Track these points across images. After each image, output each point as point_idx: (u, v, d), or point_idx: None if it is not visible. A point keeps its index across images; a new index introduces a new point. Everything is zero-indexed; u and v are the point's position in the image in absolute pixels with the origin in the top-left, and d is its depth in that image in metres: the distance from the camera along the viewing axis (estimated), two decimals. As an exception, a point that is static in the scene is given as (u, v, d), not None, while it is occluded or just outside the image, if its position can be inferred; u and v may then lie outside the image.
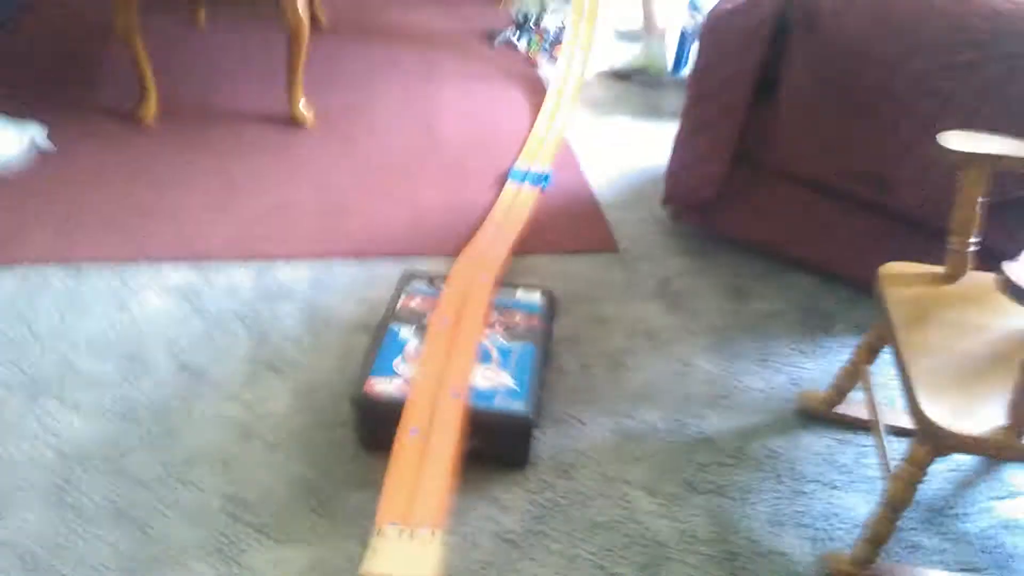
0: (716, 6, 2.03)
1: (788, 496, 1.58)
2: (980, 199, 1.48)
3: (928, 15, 1.72)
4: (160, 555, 1.39)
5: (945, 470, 1.66)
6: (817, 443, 1.70)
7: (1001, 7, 1.67)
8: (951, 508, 1.59)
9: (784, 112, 1.97)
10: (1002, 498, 1.62)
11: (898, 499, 1.36)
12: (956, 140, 1.46)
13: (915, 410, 1.29)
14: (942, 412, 1.27)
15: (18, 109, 2.44)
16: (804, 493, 1.59)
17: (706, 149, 2.06)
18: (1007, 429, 1.24)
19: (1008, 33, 1.67)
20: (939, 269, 1.55)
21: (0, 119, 2.37)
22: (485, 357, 1.65)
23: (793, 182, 2.05)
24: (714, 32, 2.00)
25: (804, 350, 1.93)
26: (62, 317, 1.85)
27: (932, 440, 1.29)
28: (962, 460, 1.68)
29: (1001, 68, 1.67)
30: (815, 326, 1.99)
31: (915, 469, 1.34)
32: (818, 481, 1.62)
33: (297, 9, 2.44)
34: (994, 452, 1.27)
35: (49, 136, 2.41)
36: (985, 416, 1.26)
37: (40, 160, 2.34)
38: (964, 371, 1.34)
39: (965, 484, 1.64)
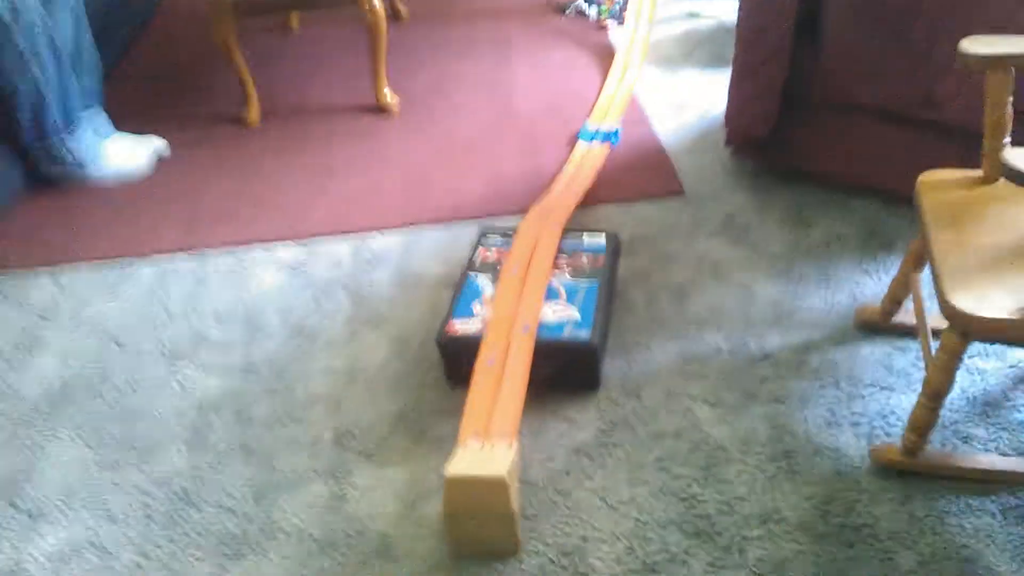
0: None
1: (845, 400, 1.70)
2: (1009, 100, 1.55)
3: None
4: (283, 481, 1.64)
5: (1003, 367, 1.73)
6: (875, 351, 1.80)
7: None
8: (1007, 401, 1.66)
9: (828, 45, 2.05)
10: (1060, 388, 1.68)
11: (936, 386, 1.46)
12: (973, 45, 1.53)
13: (943, 301, 1.39)
14: (967, 300, 1.36)
15: (140, 125, 2.76)
16: (861, 396, 1.70)
17: (756, 89, 2.17)
18: (1026, 312, 1.32)
19: None
20: (977, 173, 1.63)
21: (126, 136, 2.70)
22: (553, 295, 1.83)
23: (845, 111, 2.13)
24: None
25: (866, 269, 2.01)
26: (191, 296, 2.14)
27: (960, 327, 1.39)
28: (1020, 355, 1.74)
29: None
30: (876, 246, 2.07)
31: (947, 356, 1.43)
32: (875, 385, 1.72)
33: (374, 5, 2.67)
34: (1019, 333, 1.35)
35: (168, 146, 2.72)
36: (1010, 302, 1.35)
37: (162, 167, 2.66)
38: (991, 263, 1.43)
39: (1021, 379, 1.70)
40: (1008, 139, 1.56)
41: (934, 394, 1.47)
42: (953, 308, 1.36)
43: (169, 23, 3.65)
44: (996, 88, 1.54)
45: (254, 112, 2.85)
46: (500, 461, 1.44)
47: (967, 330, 1.38)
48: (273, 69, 3.14)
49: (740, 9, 2.17)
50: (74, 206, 2.52)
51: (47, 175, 2.58)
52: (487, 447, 1.50)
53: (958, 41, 1.61)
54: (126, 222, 2.43)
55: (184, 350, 1.98)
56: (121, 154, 2.64)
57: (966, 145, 1.92)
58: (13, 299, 2.19)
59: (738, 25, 2.21)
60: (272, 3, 2.77)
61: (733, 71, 2.24)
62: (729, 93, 2.28)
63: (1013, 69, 1.52)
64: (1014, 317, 1.33)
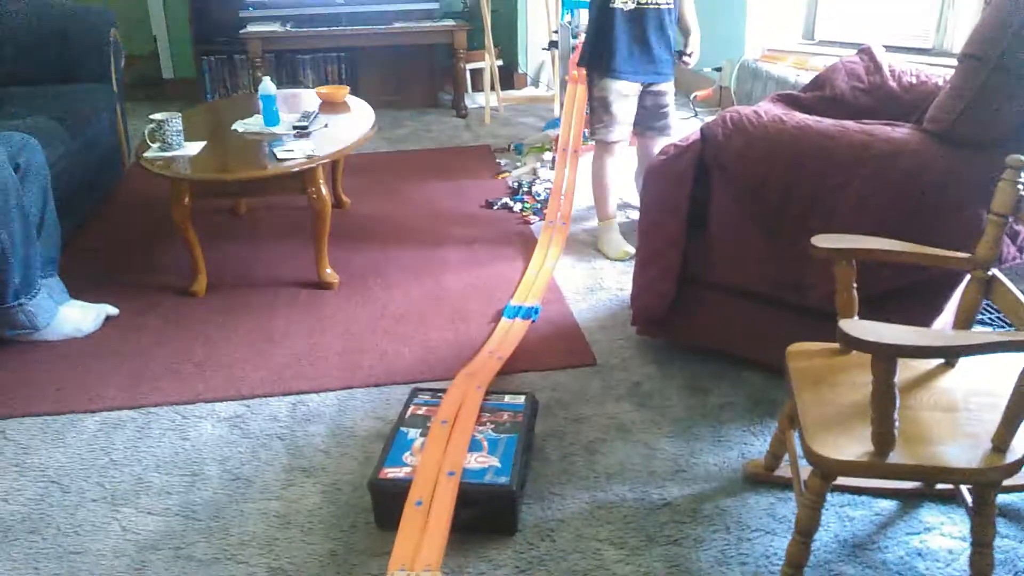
0: (653, 159, 2.54)
1: (734, 543, 1.91)
2: (854, 285, 1.89)
3: (806, 150, 2.21)
4: (218, 614, 1.75)
5: (870, 514, 1.98)
6: (760, 500, 2.03)
7: (858, 139, 2.15)
8: (872, 543, 1.90)
9: (714, 236, 2.42)
10: (917, 533, 1.92)
11: (805, 523, 1.69)
12: (822, 240, 1.89)
13: (806, 448, 1.65)
14: (826, 446, 1.63)
15: (93, 293, 2.96)
16: (748, 540, 1.92)
17: (656, 274, 2.51)
18: (873, 453, 1.59)
19: (866, 158, 2.13)
20: (835, 345, 1.94)
21: (79, 303, 2.89)
22: (476, 446, 2.04)
23: (732, 293, 2.47)
24: (651, 178, 2.49)
25: (753, 431, 2.28)
26: (135, 447, 2.28)
27: (821, 469, 1.64)
28: (883, 505, 2.00)
29: (865, 186, 2.12)
30: (763, 412, 2.35)
31: (813, 496, 1.67)
32: (760, 530, 1.94)
33: (320, 193, 2.99)
34: (866, 472, 1.61)
35: (118, 311, 2.91)
36: (859, 447, 1.61)
37: (111, 329, 2.84)
38: (845, 417, 1.70)
39: (884, 524, 1.95)
40: (856, 317, 1.88)
41: (805, 530, 1.70)
42: (815, 453, 1.62)
43: (127, 200, 3.93)
44: (843, 273, 1.88)
45: (202, 284, 3.07)
46: (425, 586, 1.60)
47: (827, 472, 1.63)
48: (221, 246, 3.40)
49: (640, 206, 2.54)
50: (22, 362, 2.66)
51: (1, 336, 2.72)
52: (412, 574, 1.66)
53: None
54: (73, 378, 2.58)
55: (126, 494, 2.10)
56: (73, 319, 2.82)
57: (831, 324, 2.26)
58: (-43, 447, 2.28)
59: (639, 220, 2.58)
60: (227, 187, 3.06)
61: (636, 259, 2.58)
62: (634, 278, 2.61)
63: (855, 261, 1.87)
64: (861, 459, 1.59)
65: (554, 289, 3.07)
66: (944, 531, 1.92)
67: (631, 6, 3.09)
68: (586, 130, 4.14)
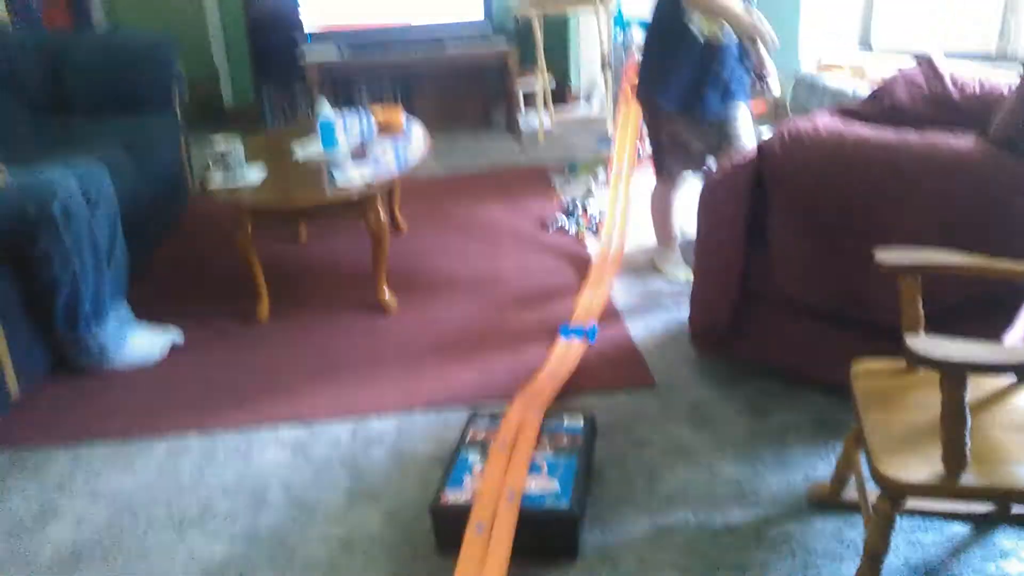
0: (709, 177, 2.52)
1: (800, 568, 1.87)
2: (919, 300, 1.84)
3: (866, 164, 2.17)
4: (283, 639, 1.77)
5: (941, 539, 1.92)
6: (827, 525, 1.99)
7: (920, 151, 2.10)
8: (945, 569, 1.84)
9: (774, 252, 2.39)
10: (993, 559, 1.86)
11: (873, 547, 1.65)
12: (887, 256, 1.85)
13: (874, 471, 1.61)
14: (895, 468, 1.59)
15: (159, 319, 3.03)
16: (814, 565, 1.87)
17: (714, 291, 2.48)
18: (944, 475, 1.55)
19: (929, 170, 2.09)
20: (902, 363, 1.89)
21: (145, 327, 2.96)
22: (535, 469, 2.04)
23: (793, 310, 2.42)
24: (709, 195, 2.47)
25: (818, 453, 2.24)
26: (200, 471, 2.32)
27: (890, 492, 1.60)
28: (956, 530, 1.94)
29: (929, 198, 2.07)
30: (828, 433, 2.30)
31: (882, 519, 1.63)
32: (827, 555, 1.90)
33: (379, 218, 3.03)
34: (937, 494, 1.57)
35: (183, 335, 2.98)
36: (929, 468, 1.57)
37: (176, 355, 2.90)
38: (914, 437, 1.66)
39: (957, 549, 1.89)
40: (922, 333, 1.84)
41: (874, 554, 1.66)
42: (883, 475, 1.59)
43: (191, 228, 4.03)
44: (908, 290, 1.84)
45: (264, 309, 3.13)
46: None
47: (896, 494, 1.59)
48: (282, 272, 3.46)
49: (698, 224, 2.52)
50: (93, 388, 2.74)
51: (73, 364, 2.81)
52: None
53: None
54: (141, 404, 2.64)
55: (192, 519, 2.14)
56: (141, 345, 2.89)
57: (896, 340, 2.21)
58: (32, 472, 2.36)
59: (697, 238, 2.55)
60: (290, 212, 3.12)
61: (695, 277, 2.56)
62: (692, 296, 2.59)
63: (919, 276, 1.83)
64: (932, 481, 1.55)
65: (611, 310, 3.05)
66: (1022, 556, 1.86)
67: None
68: (640, 148, 4.13)
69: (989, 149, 2.10)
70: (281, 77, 5.60)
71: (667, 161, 3.11)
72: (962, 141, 2.14)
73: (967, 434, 1.51)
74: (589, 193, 4.16)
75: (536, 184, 4.42)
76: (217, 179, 3.06)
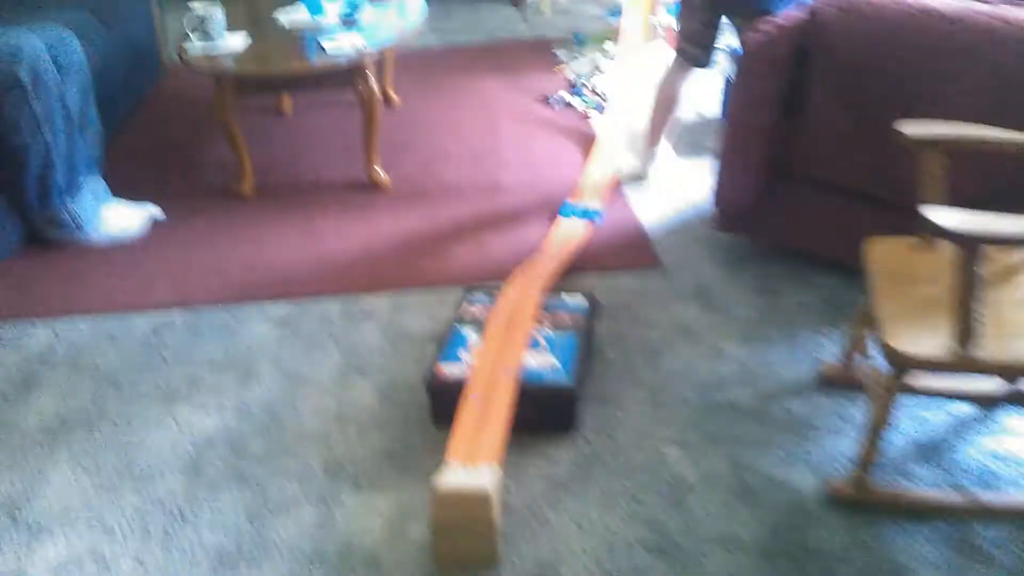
0: (751, 39, 2.54)
1: (800, 443, 2.00)
2: (942, 176, 1.91)
3: (922, 33, 2.21)
4: (274, 506, 1.90)
5: (945, 417, 2.04)
6: (830, 403, 2.11)
7: (984, 22, 2.13)
8: (947, 445, 1.97)
9: (811, 125, 2.44)
10: (996, 435, 1.98)
11: (877, 419, 1.77)
12: (909, 126, 1.91)
13: (883, 343, 1.71)
14: (902, 341, 1.69)
15: (136, 194, 3.10)
16: (814, 440, 2.00)
17: (742, 164, 2.55)
18: (953, 348, 1.65)
19: (990, 43, 2.12)
20: (916, 240, 1.98)
21: (122, 202, 3.04)
22: (535, 345, 2.14)
23: (822, 188, 2.49)
24: (748, 62, 2.48)
25: (827, 333, 2.34)
26: (186, 346, 2.43)
27: (897, 365, 1.70)
28: (960, 409, 2.06)
29: (986, 77, 2.12)
30: (837, 314, 2.40)
31: (886, 392, 1.74)
32: (828, 430, 2.02)
33: (370, 89, 3.06)
34: (944, 367, 1.67)
35: (163, 213, 3.05)
36: (937, 341, 1.67)
37: (157, 231, 2.98)
38: (924, 310, 1.76)
39: (960, 427, 2.02)
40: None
41: (876, 427, 1.78)
42: (890, 347, 1.69)
43: (167, 100, 4.06)
44: (930, 167, 1.91)
45: (248, 185, 3.20)
46: (484, 478, 1.72)
47: (902, 365, 1.70)
48: (267, 147, 3.51)
49: (731, 93, 2.56)
50: (69, 263, 2.83)
51: (46, 236, 2.89)
52: (472, 469, 1.78)
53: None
54: (121, 278, 2.74)
55: (179, 393, 2.26)
56: (118, 220, 2.97)
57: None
58: (10, 345, 2.47)
59: (729, 109, 2.59)
60: (275, 81, 3.16)
61: (723, 144, 2.60)
62: (719, 171, 2.63)
63: (946, 154, 1.89)
64: (940, 354, 1.65)
65: (617, 191, 3.12)
66: (1022, 434, 1.98)
67: None
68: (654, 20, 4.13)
69: None
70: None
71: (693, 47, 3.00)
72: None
73: (979, 308, 1.60)
74: (597, 68, 4.17)
75: (539, 58, 4.43)
76: (196, 47, 3.08)
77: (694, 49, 2.96)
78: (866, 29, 2.29)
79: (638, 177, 3.20)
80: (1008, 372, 1.78)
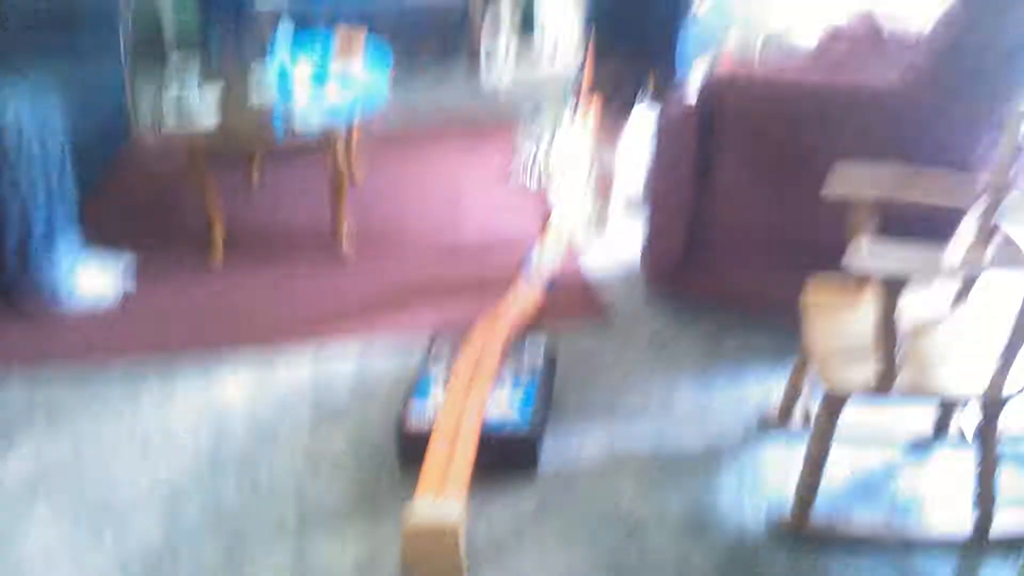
0: (659, 118, 2.79)
1: (748, 484, 2.14)
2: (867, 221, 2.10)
3: (800, 102, 2.49)
4: (250, 550, 2.00)
5: (880, 459, 2.20)
6: (774, 443, 2.26)
7: (845, 89, 2.42)
8: (882, 484, 2.14)
9: (720, 185, 2.66)
10: (929, 475, 2.15)
11: (815, 451, 1.92)
12: (835, 184, 2.11)
13: (820, 374, 1.88)
14: (836, 371, 1.85)
15: (111, 255, 3.21)
16: (760, 479, 2.15)
17: (662, 224, 2.77)
18: (879, 376, 1.81)
19: (856, 106, 2.41)
20: (851, 282, 2.16)
21: (96, 258, 3.12)
22: (497, 390, 2.28)
23: (740, 242, 2.70)
24: (661, 134, 2.74)
25: (769, 375, 2.50)
26: (161, 399, 2.53)
27: (833, 393, 1.86)
28: (895, 453, 2.22)
29: (856, 133, 2.38)
30: (777, 358, 2.57)
31: (824, 424, 1.90)
32: (773, 468, 2.17)
33: (337, 156, 3.23)
34: (873, 391, 1.83)
35: (135, 271, 3.15)
36: (866, 372, 1.83)
37: (127, 294, 3.08)
38: (854, 344, 1.92)
39: (897, 468, 2.19)
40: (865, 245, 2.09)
41: (815, 458, 1.92)
42: (826, 378, 1.85)
43: (137, 161, 4.17)
44: (858, 218, 2.10)
45: (218, 252, 3.32)
46: (451, 511, 1.84)
47: (837, 393, 1.85)
48: (237, 211, 3.62)
49: (649, 159, 2.79)
50: (44, 326, 2.91)
51: (22, 306, 2.96)
52: (440, 501, 1.90)
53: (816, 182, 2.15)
54: (95, 333, 2.84)
55: (155, 443, 2.36)
56: (93, 283, 3.05)
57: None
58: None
59: (648, 171, 2.82)
60: (244, 148, 3.31)
61: (646, 208, 2.83)
62: (645, 232, 2.85)
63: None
64: (867, 382, 1.81)
65: (571, 253, 3.29)
66: (955, 473, 2.14)
67: None
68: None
69: (905, 86, 2.38)
70: (230, 18, 5.72)
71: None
72: (883, 81, 2.42)
73: (899, 339, 1.77)
74: (551, 144, 4.38)
75: (498, 133, 4.63)
76: (171, 120, 3.23)
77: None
78: (750, 97, 2.57)
79: (596, 232, 3.43)
80: (926, 395, 1.93)
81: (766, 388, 2.47)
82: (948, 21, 2.32)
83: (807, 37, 4.44)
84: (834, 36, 2.90)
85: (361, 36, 3.84)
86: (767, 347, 2.65)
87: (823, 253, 2.42)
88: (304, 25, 5.33)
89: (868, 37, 2.84)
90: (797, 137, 2.48)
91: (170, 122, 3.21)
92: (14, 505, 2.16)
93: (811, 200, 2.16)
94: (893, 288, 1.72)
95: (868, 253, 1.78)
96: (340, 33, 3.78)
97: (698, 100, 2.61)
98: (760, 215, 2.64)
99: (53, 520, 2.10)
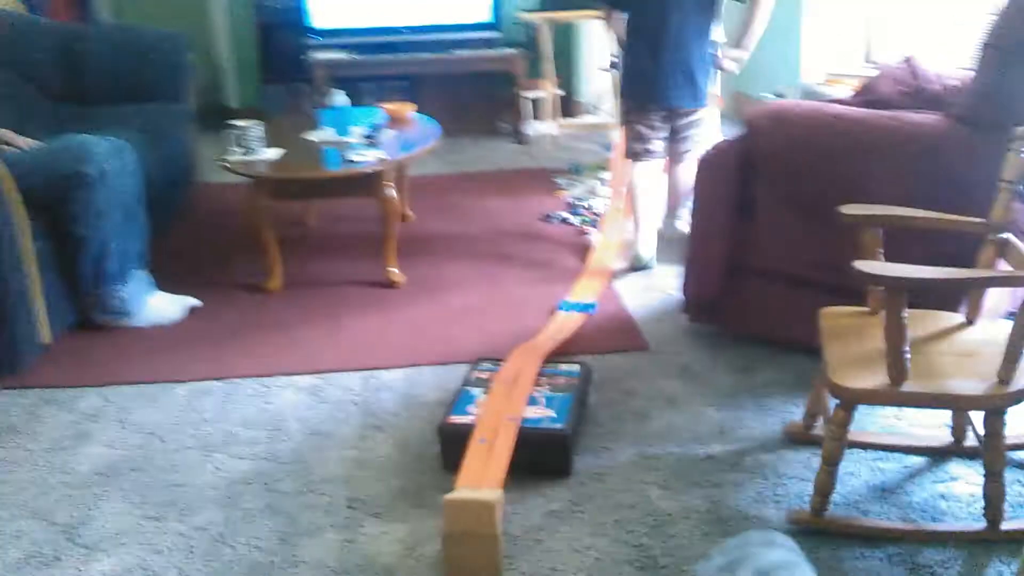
0: (705, 154, 2.96)
1: (771, 487, 2.27)
2: (880, 251, 2.26)
3: (840, 137, 2.61)
4: (303, 532, 2.16)
5: (899, 467, 2.32)
6: (798, 455, 2.39)
7: (886, 124, 2.54)
8: (899, 488, 2.24)
9: (761, 224, 2.82)
10: (943, 481, 2.26)
11: (830, 453, 2.05)
12: (849, 208, 2.27)
13: (831, 383, 2.02)
14: (847, 379, 2.00)
15: (176, 288, 3.45)
16: (783, 484, 2.28)
17: (705, 261, 2.91)
18: (887, 383, 1.96)
19: (895, 142, 2.52)
20: (865, 308, 2.31)
21: (165, 294, 3.38)
22: (534, 402, 2.45)
23: (778, 279, 2.85)
24: (702, 170, 2.91)
25: (795, 403, 2.64)
26: (222, 408, 2.73)
27: (843, 399, 2.01)
28: (913, 461, 2.34)
29: (895, 168, 2.51)
30: (806, 387, 2.69)
31: (837, 426, 2.04)
32: (795, 477, 2.30)
33: (389, 193, 3.46)
34: (882, 399, 1.98)
35: (201, 303, 3.39)
36: (875, 379, 1.98)
37: (194, 317, 3.32)
38: (864, 358, 2.07)
39: (912, 475, 2.30)
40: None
41: (830, 459, 2.06)
42: (836, 385, 2.00)
43: (201, 216, 4.46)
44: (868, 243, 2.26)
45: (276, 280, 3.55)
46: (490, 495, 2.00)
47: (848, 400, 2.00)
48: (292, 254, 3.86)
49: (694, 197, 2.96)
50: (115, 341, 3.15)
51: (96, 320, 3.22)
52: (478, 490, 2.06)
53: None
54: (162, 355, 3.06)
55: (216, 444, 2.54)
56: (160, 309, 3.30)
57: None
58: (65, 407, 2.76)
59: (691, 211, 2.99)
60: (305, 186, 3.56)
61: (688, 246, 2.98)
62: (686, 266, 3.01)
63: (880, 231, 2.25)
64: (878, 387, 1.96)
65: (609, 290, 3.47)
66: (969, 480, 2.26)
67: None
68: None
69: (949, 123, 2.54)
70: (287, 78, 6.08)
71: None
72: (926, 118, 2.58)
73: (907, 346, 1.92)
74: (593, 191, 4.60)
75: (540, 183, 4.87)
76: (236, 155, 3.50)
77: (637, 146, 3.65)
78: (792, 134, 2.71)
79: (640, 265, 3.65)
80: (937, 403, 2.06)
81: (791, 409, 2.61)
82: (993, 61, 2.43)
83: (840, 88, 4.65)
84: (875, 79, 3.04)
85: (409, 109, 4.13)
86: (796, 377, 2.77)
87: (860, 293, 2.59)
88: (353, 84, 5.72)
89: (909, 79, 2.97)
90: (838, 175, 2.61)
91: (235, 156, 3.46)
92: (88, 491, 2.35)
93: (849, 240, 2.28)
94: (899, 291, 1.87)
95: (873, 264, 1.94)
96: (389, 107, 4.08)
97: (740, 138, 2.78)
98: (799, 253, 2.78)
99: (124, 505, 2.29)
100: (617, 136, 4.32)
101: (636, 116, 3.64)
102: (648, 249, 3.68)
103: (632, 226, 3.75)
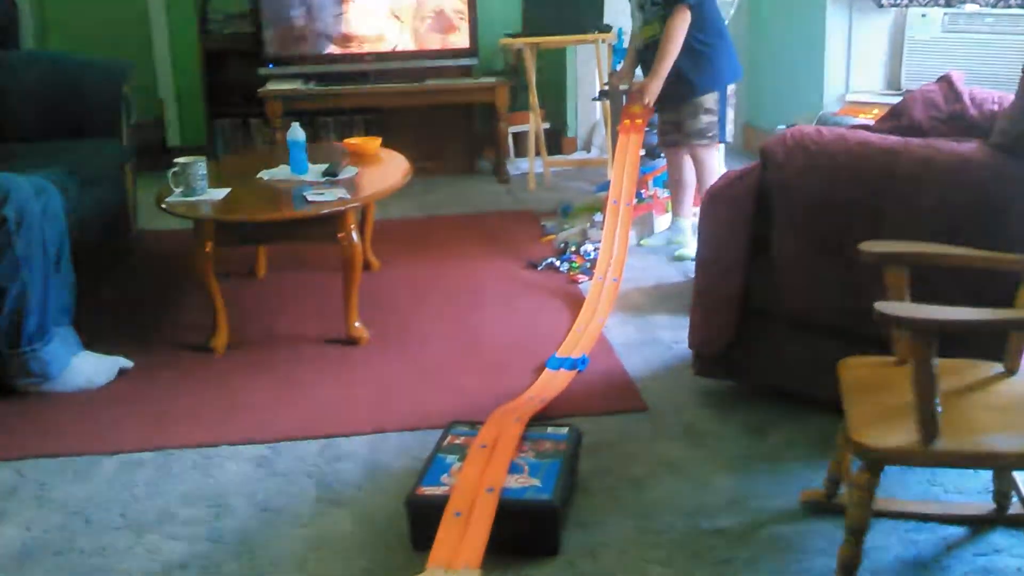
0: (713, 184, 2.99)
1: (788, 564, 2.25)
2: (907, 291, 2.28)
3: (868, 166, 2.64)
4: (250, 622, 2.13)
5: (935, 538, 2.31)
6: (819, 526, 2.38)
7: (921, 153, 2.57)
8: (935, 563, 2.23)
9: (778, 263, 2.83)
10: (985, 554, 2.25)
11: (855, 522, 2.04)
12: (871, 245, 2.29)
13: (853, 442, 2.02)
14: (871, 437, 2.00)
15: (107, 346, 3.43)
16: (803, 560, 2.26)
17: (715, 305, 2.92)
18: (917, 441, 1.95)
19: (931, 172, 2.55)
20: (890, 358, 2.32)
21: (92, 355, 3.36)
22: (517, 470, 2.43)
23: (798, 326, 2.85)
24: (710, 203, 2.93)
25: (817, 468, 2.63)
26: (156, 483, 2.70)
27: (866, 459, 2.00)
28: (950, 532, 2.33)
29: (930, 200, 2.53)
30: (827, 451, 2.70)
31: (862, 492, 2.03)
32: (817, 551, 2.28)
33: (351, 238, 3.47)
34: (911, 458, 1.98)
35: (133, 365, 3.37)
36: (902, 435, 1.98)
37: (127, 379, 3.30)
38: (890, 413, 2.07)
39: (950, 547, 2.28)
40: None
41: (855, 529, 2.05)
42: (859, 444, 2.00)
43: (137, 260, 4.48)
44: (893, 282, 2.28)
45: (222, 338, 3.53)
46: (467, 574, 1.98)
47: (872, 460, 1.99)
48: (240, 305, 3.87)
49: (699, 233, 2.98)
50: (35, 409, 3.12)
51: (13, 384, 3.19)
52: (452, 573, 2.03)
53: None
54: (87, 423, 3.03)
55: (150, 523, 2.51)
56: (86, 371, 3.28)
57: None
58: (-28, 484, 2.73)
59: (697, 252, 3.01)
60: (253, 232, 3.56)
61: (695, 287, 2.99)
62: (692, 312, 3.02)
63: (905, 268, 2.26)
64: (906, 446, 1.96)
65: (603, 343, 3.48)
66: (1014, 552, 2.25)
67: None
68: (642, 191, 4.65)
69: (990, 152, 2.57)
70: (237, 112, 6.13)
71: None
72: (964, 146, 2.61)
73: (937, 397, 1.92)
74: (584, 235, 4.63)
75: (524, 227, 4.91)
76: (176, 195, 3.50)
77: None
78: (813, 163, 2.72)
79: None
80: (971, 462, 2.06)
81: (811, 476, 2.59)
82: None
83: (866, 119, 4.72)
84: (906, 103, 3.07)
85: (375, 144, 4.17)
86: (815, 439, 2.76)
87: (885, 344, 2.58)
88: (312, 118, 5.75)
89: (943, 103, 3.01)
90: (864, 208, 2.63)
91: (176, 196, 3.47)
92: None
93: (878, 283, 2.29)
94: (926, 335, 1.88)
95: (898, 306, 1.95)
96: (352, 143, 4.13)
97: (756, 165, 2.81)
98: (820, 296, 2.79)
99: (39, 595, 2.25)
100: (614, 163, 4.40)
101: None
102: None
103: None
